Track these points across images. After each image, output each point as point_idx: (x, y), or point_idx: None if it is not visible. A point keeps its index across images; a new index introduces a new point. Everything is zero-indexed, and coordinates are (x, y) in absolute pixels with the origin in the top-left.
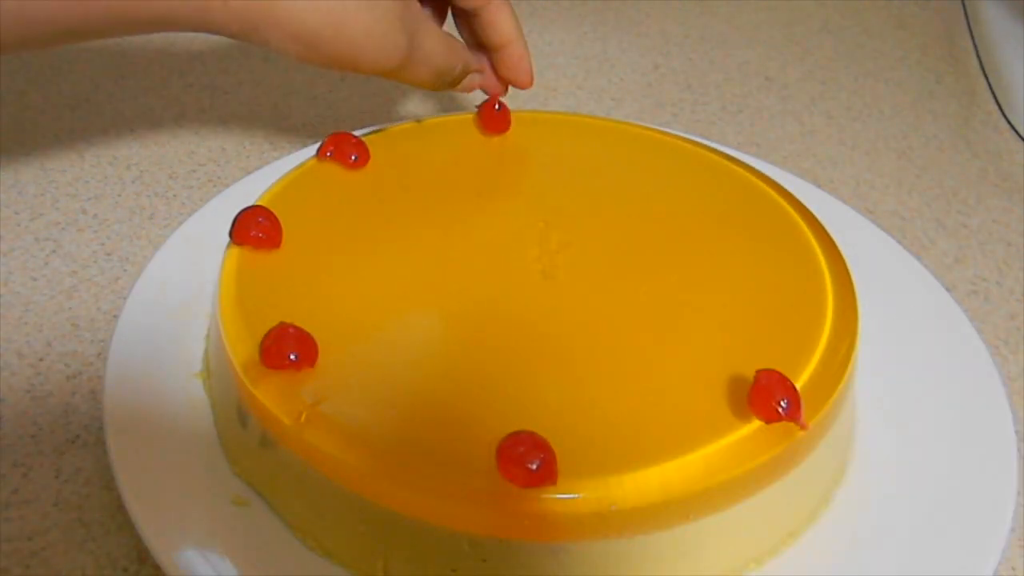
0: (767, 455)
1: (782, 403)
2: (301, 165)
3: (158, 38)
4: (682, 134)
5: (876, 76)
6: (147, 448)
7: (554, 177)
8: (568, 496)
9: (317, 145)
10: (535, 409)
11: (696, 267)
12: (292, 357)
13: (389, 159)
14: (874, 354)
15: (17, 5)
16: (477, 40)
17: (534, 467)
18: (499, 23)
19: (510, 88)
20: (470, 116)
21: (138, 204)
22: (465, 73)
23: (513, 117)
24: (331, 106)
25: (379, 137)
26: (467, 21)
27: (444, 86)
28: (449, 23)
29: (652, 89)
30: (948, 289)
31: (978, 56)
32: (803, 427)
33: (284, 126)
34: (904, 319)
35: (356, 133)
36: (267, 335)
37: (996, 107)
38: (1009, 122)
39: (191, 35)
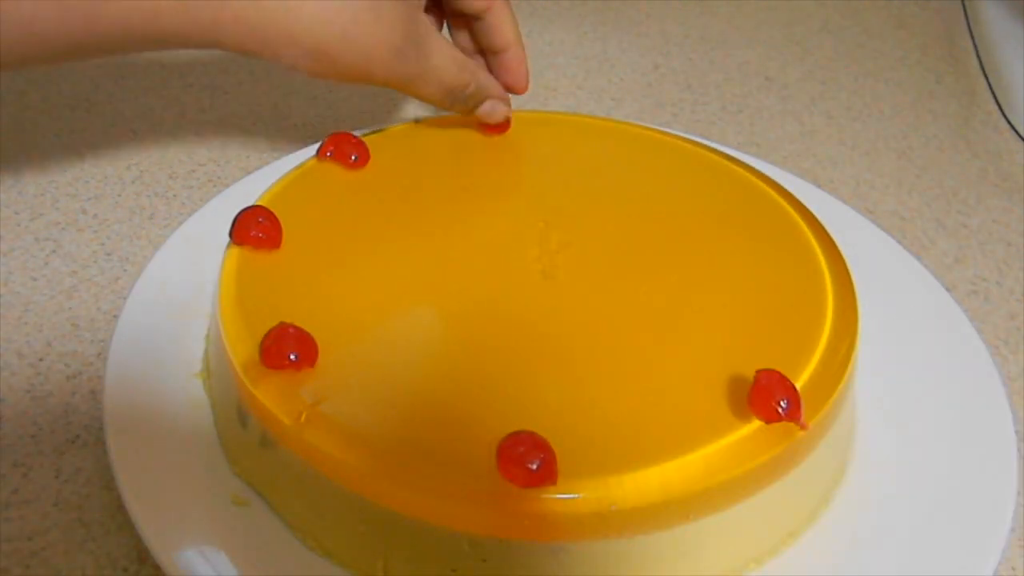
0: (767, 455)
1: (782, 403)
2: (301, 165)
3: None
4: (682, 134)
5: (876, 76)
6: (147, 448)
7: (554, 177)
8: (568, 496)
9: (317, 145)
10: (535, 409)
11: (696, 267)
12: (292, 357)
13: (389, 159)
14: (874, 354)
15: (23, 22)
16: (477, 44)
17: (534, 467)
18: (501, 27)
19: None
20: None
21: (138, 204)
22: (481, 96)
23: (513, 117)
24: (331, 106)
25: (379, 137)
26: (467, 26)
27: (459, 105)
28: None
29: (652, 89)
30: (948, 289)
31: (978, 56)
32: (803, 427)
33: (284, 126)
34: (904, 319)
35: (356, 133)
36: (267, 335)
37: (996, 107)
38: (1009, 122)
39: None
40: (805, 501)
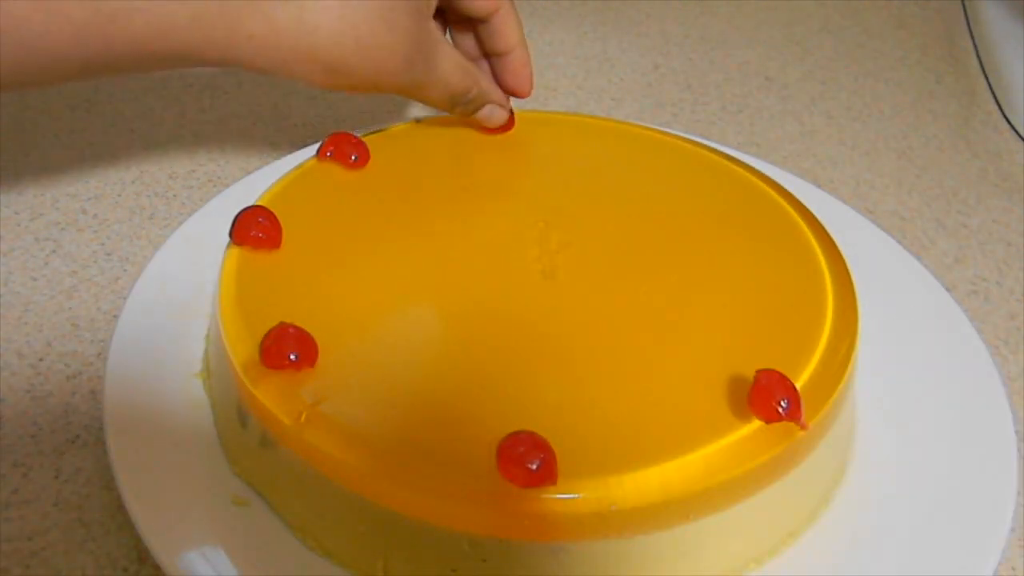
0: (767, 455)
1: (782, 403)
2: (301, 165)
3: None
4: (682, 134)
5: (876, 76)
6: (147, 448)
7: (554, 177)
8: (568, 496)
9: (317, 145)
10: (535, 409)
11: (696, 267)
12: (292, 357)
13: (389, 159)
14: (874, 354)
15: (41, 40)
16: (481, 48)
17: (534, 467)
18: (506, 30)
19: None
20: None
21: (138, 204)
22: (481, 101)
23: (514, 117)
24: (331, 106)
25: (379, 137)
26: (472, 29)
27: (460, 109)
28: None
29: (652, 89)
30: (948, 289)
31: (978, 56)
32: (803, 427)
33: (284, 126)
34: (904, 319)
35: (356, 133)
36: (267, 335)
37: (996, 107)
38: (1009, 122)
39: None
40: (805, 501)
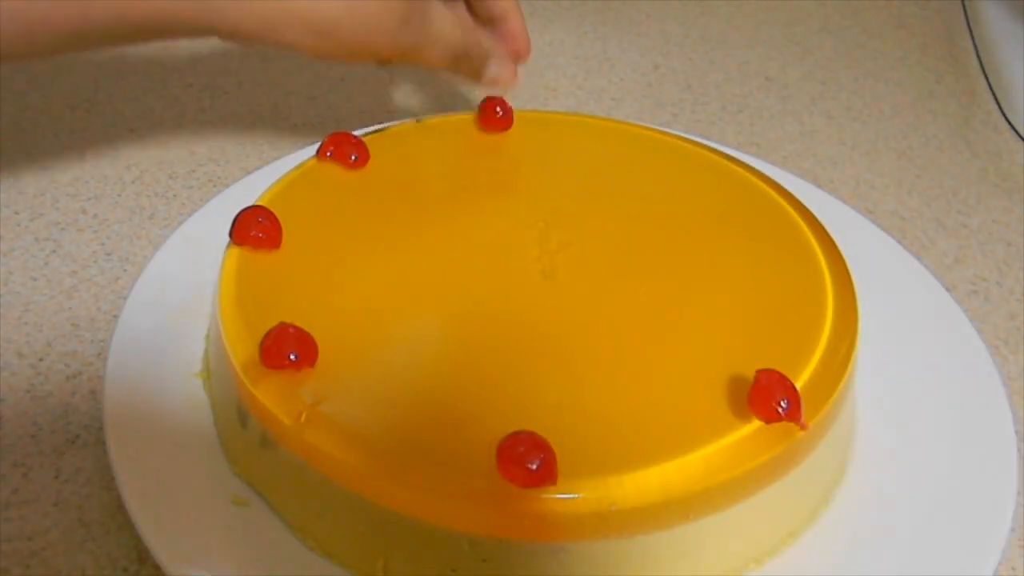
0: (767, 455)
1: (782, 403)
2: (301, 165)
3: None
4: (682, 134)
5: (876, 76)
6: (147, 448)
7: (554, 177)
8: (568, 496)
9: (317, 145)
10: (535, 409)
11: (696, 267)
12: (292, 357)
13: (389, 159)
14: (874, 354)
15: (15, 8)
16: (475, 17)
17: (534, 467)
18: None
19: (511, 86)
20: (470, 116)
21: (138, 204)
22: (485, 55)
23: (514, 116)
24: (331, 106)
25: (379, 137)
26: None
27: (465, 68)
28: None
29: (652, 89)
30: (948, 289)
31: (978, 56)
32: (803, 427)
33: (284, 126)
34: (904, 319)
35: (356, 133)
36: (267, 335)
37: (996, 107)
38: (1009, 122)
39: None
40: (805, 501)
